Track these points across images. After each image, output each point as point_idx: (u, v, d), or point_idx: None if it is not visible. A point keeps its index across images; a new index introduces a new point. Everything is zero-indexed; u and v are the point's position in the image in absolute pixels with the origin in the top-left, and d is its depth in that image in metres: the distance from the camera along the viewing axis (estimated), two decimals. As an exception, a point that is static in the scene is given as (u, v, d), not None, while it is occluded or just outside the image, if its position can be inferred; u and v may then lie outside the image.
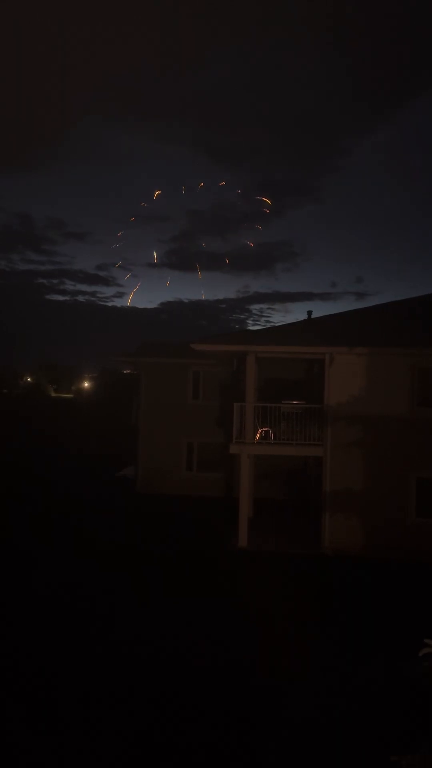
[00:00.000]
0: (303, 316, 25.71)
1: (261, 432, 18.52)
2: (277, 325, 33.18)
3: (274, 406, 18.73)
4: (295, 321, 24.55)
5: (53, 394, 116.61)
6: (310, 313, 25.33)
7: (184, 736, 8.10)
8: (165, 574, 14.71)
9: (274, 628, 11.62)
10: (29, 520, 19.64)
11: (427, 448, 17.24)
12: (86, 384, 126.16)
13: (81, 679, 9.52)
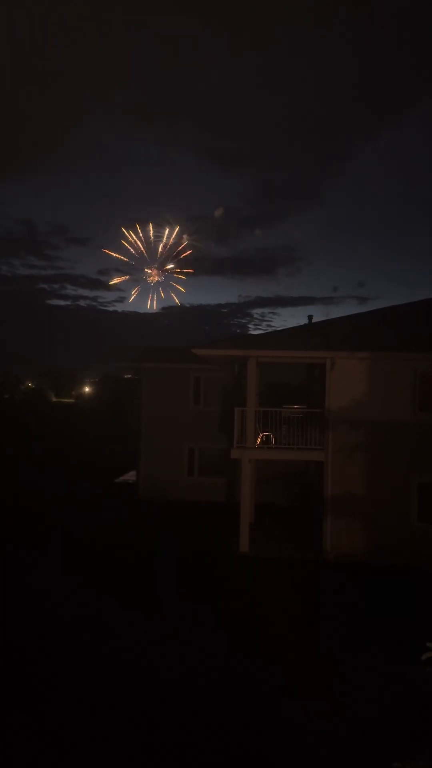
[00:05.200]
0: (304, 321, 25.66)
1: (262, 437, 18.50)
2: (278, 329, 33.21)
3: (275, 411, 18.71)
4: (296, 325, 24.55)
5: (54, 400, 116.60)
6: (310, 317, 25.33)
7: (186, 741, 8.07)
8: (165, 581, 14.68)
9: (275, 634, 11.58)
10: (29, 525, 19.59)
11: (429, 453, 17.21)
12: (87, 389, 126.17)
13: (80, 687, 9.49)
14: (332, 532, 17.48)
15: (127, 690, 9.36)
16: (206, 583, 14.59)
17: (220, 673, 10.01)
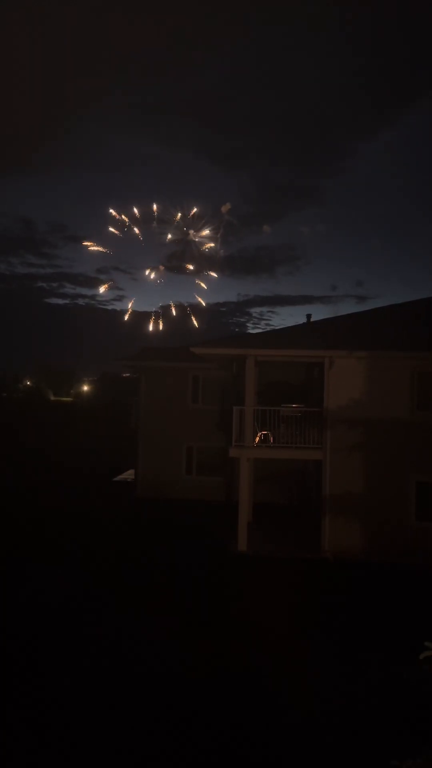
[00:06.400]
0: (302, 320, 25.69)
1: (260, 435, 18.50)
2: (276, 328, 33.15)
3: (273, 410, 18.71)
4: (294, 324, 24.57)
5: (52, 398, 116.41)
6: (309, 316, 25.36)
7: (183, 742, 8.08)
8: (162, 579, 14.67)
9: (272, 633, 11.59)
10: (27, 522, 19.59)
11: (427, 452, 17.23)
12: (86, 388, 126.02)
13: (79, 689, 9.49)
14: (330, 530, 17.49)
15: (125, 687, 9.36)
16: (204, 581, 14.59)
17: (219, 671, 10.01)
